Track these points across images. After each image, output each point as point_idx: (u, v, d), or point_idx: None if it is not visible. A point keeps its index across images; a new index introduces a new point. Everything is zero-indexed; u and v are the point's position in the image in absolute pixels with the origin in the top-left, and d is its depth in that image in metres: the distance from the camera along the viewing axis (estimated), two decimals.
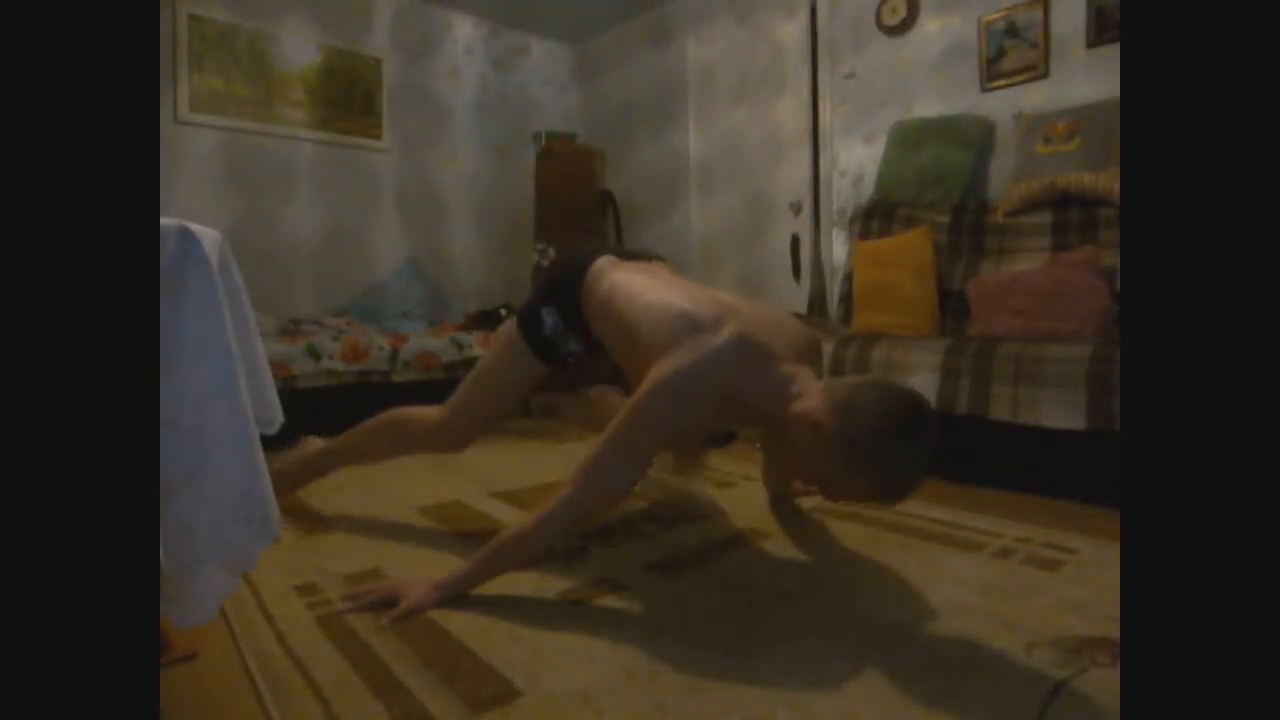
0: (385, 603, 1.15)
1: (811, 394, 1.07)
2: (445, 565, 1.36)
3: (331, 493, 1.85)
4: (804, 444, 1.05)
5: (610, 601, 1.20)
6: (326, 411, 2.58)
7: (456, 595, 1.16)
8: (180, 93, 3.08)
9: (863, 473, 0.99)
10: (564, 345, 1.44)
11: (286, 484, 1.73)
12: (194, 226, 0.85)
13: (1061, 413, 1.70)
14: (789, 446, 1.10)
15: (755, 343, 1.12)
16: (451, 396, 1.55)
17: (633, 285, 1.29)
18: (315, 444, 1.78)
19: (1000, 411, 1.82)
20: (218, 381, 0.85)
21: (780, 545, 1.48)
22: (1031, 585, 1.25)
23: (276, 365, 2.41)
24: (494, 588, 1.21)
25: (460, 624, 1.09)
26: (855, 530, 1.57)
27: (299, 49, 3.41)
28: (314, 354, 2.50)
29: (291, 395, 2.41)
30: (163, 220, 0.82)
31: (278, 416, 1.02)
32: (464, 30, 4.04)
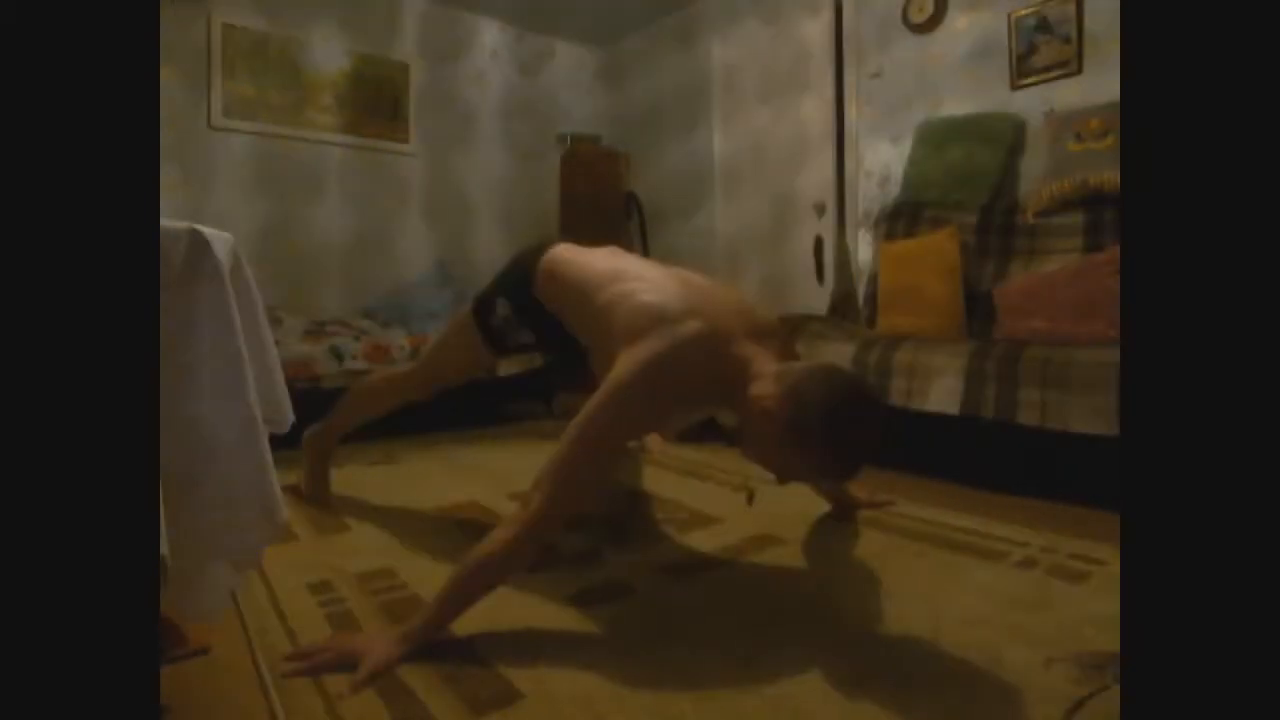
0: (342, 664, 0.97)
1: (766, 378, 1.07)
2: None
3: (348, 492, 1.87)
4: (756, 427, 1.06)
5: (619, 605, 1.19)
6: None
7: (427, 643, 1.01)
8: (214, 99, 3.16)
9: (809, 454, 1.01)
10: (512, 335, 1.49)
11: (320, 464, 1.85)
12: (205, 229, 0.87)
13: (1091, 418, 1.65)
14: (742, 429, 1.11)
15: (720, 330, 1.12)
16: (421, 355, 1.72)
17: (597, 268, 1.32)
18: (313, 428, 1.84)
19: (1028, 417, 1.77)
20: (227, 382, 0.86)
21: (795, 551, 1.46)
22: (1055, 597, 1.21)
23: (301, 366, 2.45)
24: (501, 587, 1.21)
25: (464, 624, 1.09)
26: (875, 537, 1.54)
27: (328, 55, 3.48)
28: (337, 355, 2.54)
29: (318, 395, 2.45)
30: (174, 224, 0.84)
31: (288, 417, 1.03)
32: (490, 35, 4.08)
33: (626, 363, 1.09)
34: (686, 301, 1.15)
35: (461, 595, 1.03)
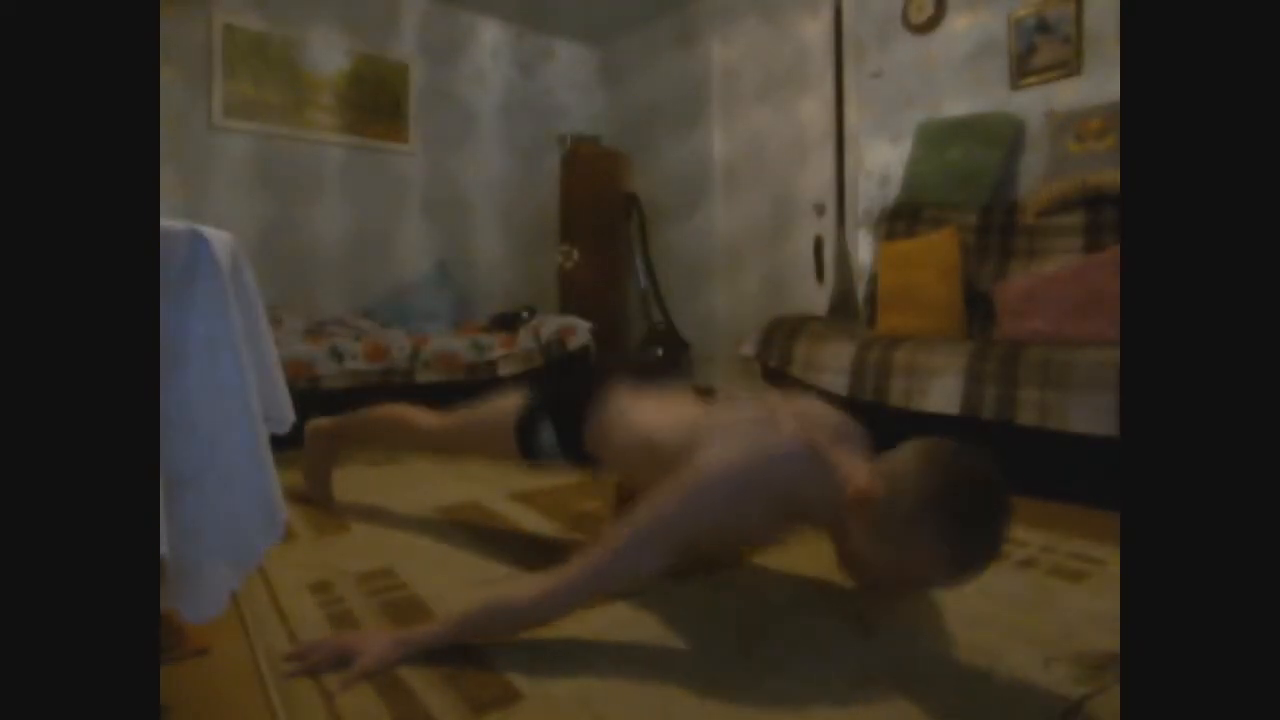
0: (337, 660, 0.97)
1: (861, 472, 0.97)
2: (460, 567, 1.37)
3: (349, 492, 1.87)
4: (855, 529, 0.95)
5: (619, 605, 1.19)
6: (351, 410, 2.63)
7: (426, 653, 0.98)
8: (215, 99, 3.17)
9: (916, 547, 0.88)
10: (550, 456, 1.37)
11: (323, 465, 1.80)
12: (205, 229, 0.87)
13: (1091, 417, 1.65)
14: (843, 544, 0.99)
15: (818, 444, 1.01)
16: (452, 416, 1.55)
17: (661, 420, 1.21)
18: (320, 421, 1.79)
19: (1028, 417, 1.77)
20: (226, 381, 0.86)
21: (796, 553, 1.46)
22: (1055, 597, 1.21)
23: (301, 366, 2.45)
24: (501, 587, 1.21)
25: None
26: None
27: (328, 55, 3.48)
28: (337, 355, 2.54)
29: (318, 395, 2.45)
30: (174, 223, 0.84)
31: (288, 416, 1.03)
32: (490, 34, 4.08)
33: (713, 460, 0.97)
34: (774, 412, 1.07)
35: (479, 627, 1.00)
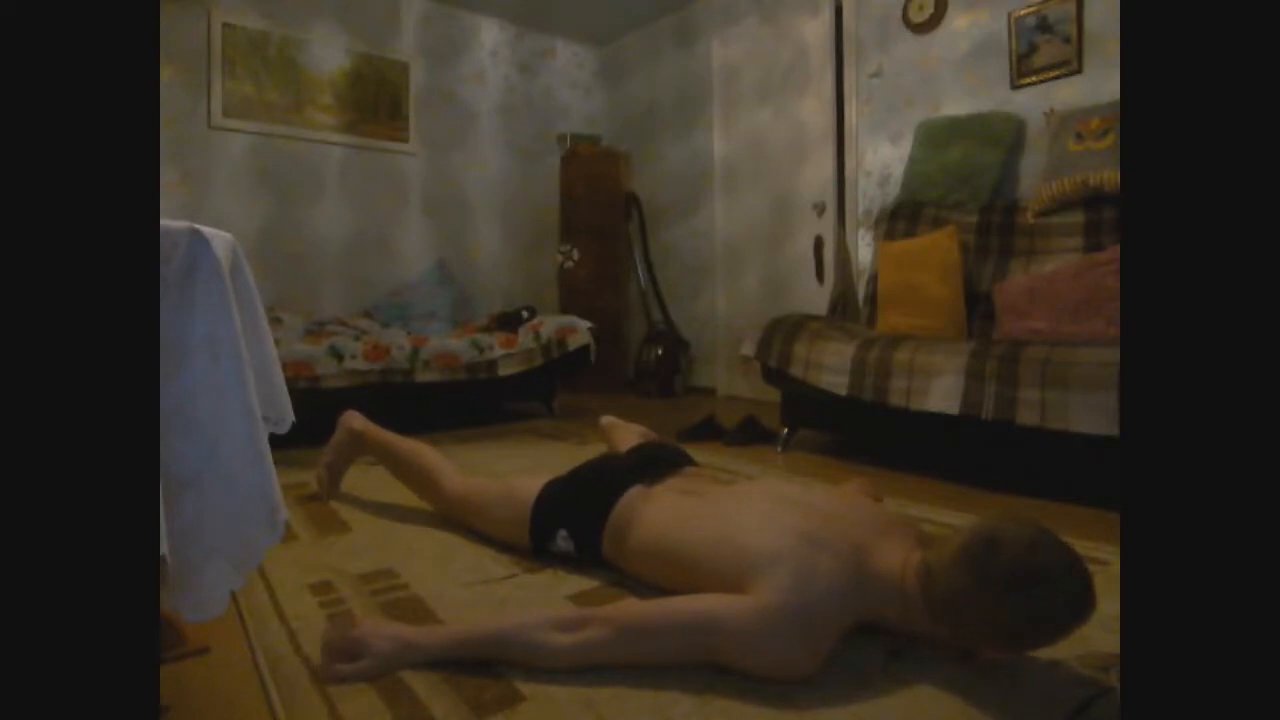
0: (343, 653, 0.98)
1: (895, 556, 1.00)
2: (460, 567, 1.36)
3: (350, 493, 1.87)
4: (920, 610, 0.95)
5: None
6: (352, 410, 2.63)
7: (433, 661, 0.98)
8: (214, 99, 3.17)
9: (969, 602, 0.88)
10: (565, 557, 1.35)
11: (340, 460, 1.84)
12: (205, 229, 0.87)
13: (1092, 417, 1.65)
14: (919, 627, 0.98)
15: (851, 551, 1.00)
16: (472, 490, 1.53)
17: (676, 517, 1.19)
18: (357, 419, 1.80)
19: (1027, 417, 1.77)
20: (226, 381, 0.86)
21: None
22: None
23: (301, 366, 2.45)
24: (502, 588, 1.21)
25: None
26: None
27: (328, 54, 3.48)
28: (337, 355, 2.54)
29: (318, 395, 2.45)
30: (174, 223, 0.84)
31: (288, 416, 1.03)
32: (490, 34, 4.08)
33: (759, 606, 0.93)
34: (798, 528, 1.02)
35: (489, 649, 0.99)
